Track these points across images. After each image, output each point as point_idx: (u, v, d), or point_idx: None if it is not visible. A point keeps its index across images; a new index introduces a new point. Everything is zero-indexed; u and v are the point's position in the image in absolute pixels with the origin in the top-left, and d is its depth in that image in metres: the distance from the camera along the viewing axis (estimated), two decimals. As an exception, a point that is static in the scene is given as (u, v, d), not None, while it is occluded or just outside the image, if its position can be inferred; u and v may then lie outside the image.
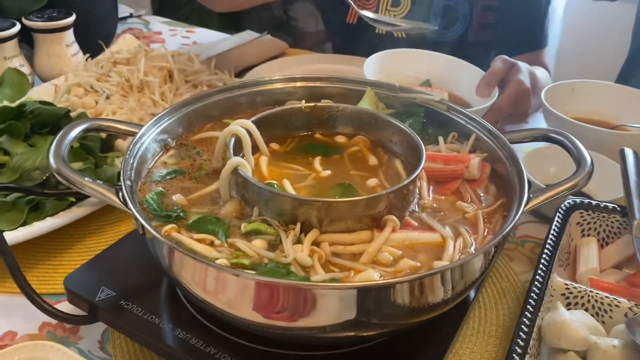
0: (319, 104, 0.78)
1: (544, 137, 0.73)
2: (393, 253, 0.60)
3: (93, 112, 1.02)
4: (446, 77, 1.15)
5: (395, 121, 0.75)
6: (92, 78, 1.08)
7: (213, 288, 0.55)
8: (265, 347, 0.61)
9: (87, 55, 1.19)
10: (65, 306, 0.71)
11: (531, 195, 0.64)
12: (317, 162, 0.73)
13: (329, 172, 0.72)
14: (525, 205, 0.62)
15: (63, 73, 1.19)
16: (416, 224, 0.64)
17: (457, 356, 0.70)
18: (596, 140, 1.04)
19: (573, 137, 0.70)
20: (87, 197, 0.84)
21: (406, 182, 0.63)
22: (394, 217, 0.62)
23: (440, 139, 0.78)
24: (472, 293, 0.71)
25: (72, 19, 1.23)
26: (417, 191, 0.69)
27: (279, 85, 0.85)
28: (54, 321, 0.73)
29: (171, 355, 0.62)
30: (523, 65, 1.10)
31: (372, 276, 0.57)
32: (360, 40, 1.46)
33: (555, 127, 1.07)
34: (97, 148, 0.91)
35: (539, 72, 1.30)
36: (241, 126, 0.69)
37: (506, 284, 0.82)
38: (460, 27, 1.37)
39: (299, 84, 0.86)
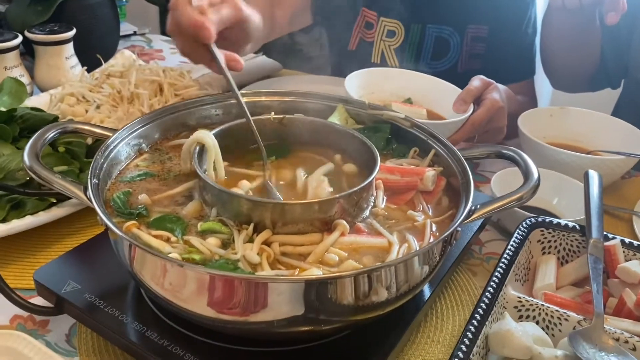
0: (287, 115, 0.82)
1: (497, 154, 0.75)
2: (339, 254, 0.62)
3: (81, 120, 1.06)
4: (426, 95, 1.17)
5: (356, 133, 0.78)
6: (84, 88, 1.12)
7: (161, 279, 0.57)
8: (217, 342, 0.63)
9: (85, 67, 1.24)
10: (38, 301, 0.74)
11: (478, 206, 0.66)
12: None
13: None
14: (471, 214, 0.64)
15: (61, 84, 1.24)
16: (366, 230, 0.67)
17: (409, 363, 0.73)
18: (568, 163, 1.06)
19: (523, 154, 0.72)
20: (68, 199, 0.88)
21: (357, 188, 0.66)
22: (344, 222, 0.65)
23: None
24: (424, 296, 0.72)
25: (72, 33, 1.29)
26: (372, 199, 0.71)
27: (254, 99, 0.88)
28: (24, 314, 0.76)
29: (127, 347, 0.65)
30: (499, 85, 1.13)
31: (314, 273, 0.59)
32: (356, 65, 1.50)
33: (529, 150, 1.09)
34: (83, 153, 0.96)
35: (520, 98, 1.33)
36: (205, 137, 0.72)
37: (466, 296, 0.84)
38: (451, 58, 1.40)
39: (275, 98, 0.89)
